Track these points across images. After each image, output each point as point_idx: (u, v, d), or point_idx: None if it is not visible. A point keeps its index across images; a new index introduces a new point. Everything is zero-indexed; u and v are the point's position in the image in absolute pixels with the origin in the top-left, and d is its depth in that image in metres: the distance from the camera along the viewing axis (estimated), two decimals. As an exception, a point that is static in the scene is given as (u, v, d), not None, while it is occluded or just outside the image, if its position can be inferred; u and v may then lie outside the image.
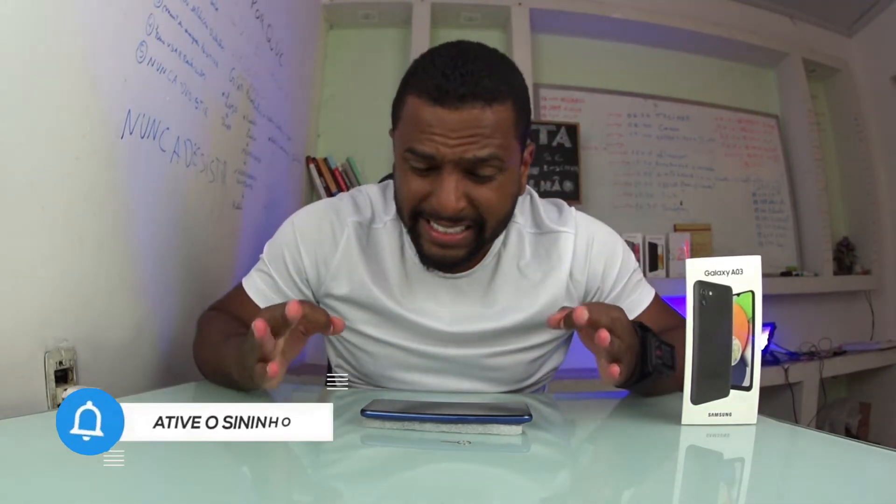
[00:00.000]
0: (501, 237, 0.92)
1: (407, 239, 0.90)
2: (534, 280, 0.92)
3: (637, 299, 0.95)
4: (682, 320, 0.96)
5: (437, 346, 0.91)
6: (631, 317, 0.93)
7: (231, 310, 0.95)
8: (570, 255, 0.91)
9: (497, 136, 0.76)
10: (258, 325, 0.62)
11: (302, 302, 0.64)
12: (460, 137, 0.75)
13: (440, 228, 0.80)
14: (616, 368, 0.66)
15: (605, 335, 0.66)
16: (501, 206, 0.81)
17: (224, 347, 0.79)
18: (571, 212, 0.96)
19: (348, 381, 0.99)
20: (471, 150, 0.75)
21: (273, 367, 0.64)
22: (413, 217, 0.82)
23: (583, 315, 0.65)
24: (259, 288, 0.93)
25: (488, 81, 0.75)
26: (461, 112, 0.74)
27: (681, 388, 0.67)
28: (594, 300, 0.94)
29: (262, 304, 0.91)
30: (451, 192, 0.76)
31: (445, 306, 0.91)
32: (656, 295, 0.98)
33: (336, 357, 1.00)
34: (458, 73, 0.74)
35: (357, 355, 0.95)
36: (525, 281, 0.92)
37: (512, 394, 0.97)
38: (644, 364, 0.73)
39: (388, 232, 0.92)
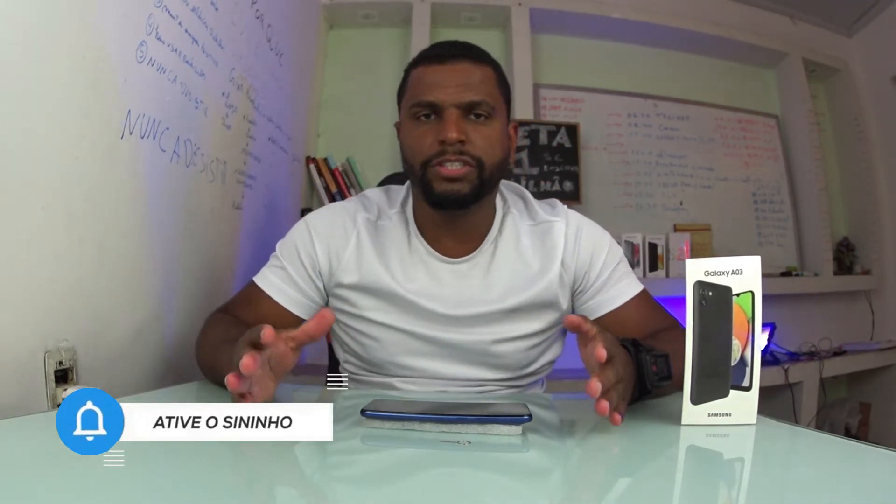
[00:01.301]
0: (497, 224, 0.99)
1: (413, 227, 0.98)
2: (531, 266, 0.97)
3: (622, 289, 0.99)
4: (672, 320, 0.98)
5: (440, 331, 0.95)
6: (615, 305, 0.98)
7: (239, 310, 0.98)
8: (563, 242, 0.98)
9: (485, 87, 0.92)
10: (246, 364, 0.59)
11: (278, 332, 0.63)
12: (457, 86, 0.90)
13: (447, 165, 0.90)
14: (605, 405, 0.61)
15: (594, 386, 0.61)
16: (493, 149, 0.92)
17: (220, 351, 0.80)
18: (564, 207, 1.03)
19: (355, 374, 1.02)
20: (466, 95, 0.90)
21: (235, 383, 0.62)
22: (423, 166, 0.91)
23: (603, 355, 0.62)
24: (272, 282, 0.97)
25: (475, 50, 0.96)
26: (455, 66, 0.92)
27: (681, 389, 0.67)
28: (581, 287, 0.99)
29: (276, 297, 0.97)
30: (452, 125, 0.89)
31: (448, 289, 0.96)
32: (644, 291, 1.00)
33: (343, 353, 1.04)
34: (451, 44, 0.96)
35: (364, 343, 0.98)
36: (523, 266, 0.97)
37: (512, 382, 0.99)
38: (642, 384, 0.73)
39: (395, 224, 0.99)
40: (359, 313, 0.97)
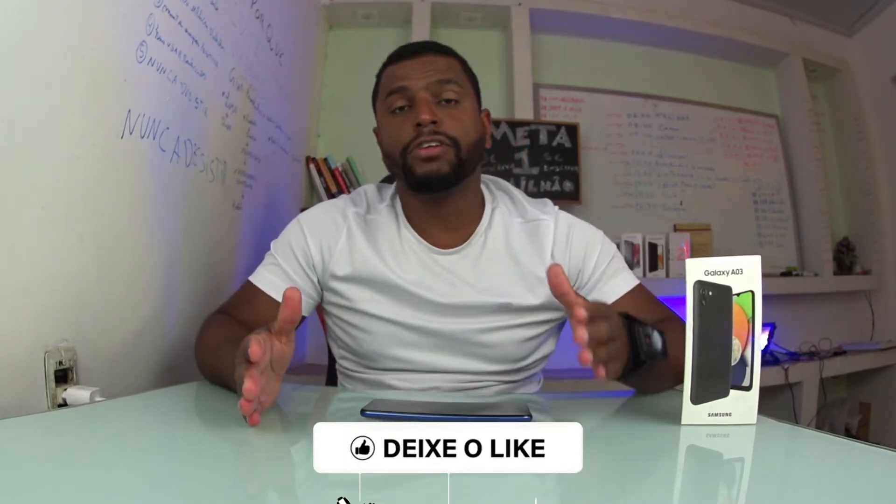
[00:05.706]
0: (487, 218, 1.01)
1: (402, 220, 1.00)
2: (522, 264, 0.98)
3: (617, 284, 0.99)
4: (671, 312, 0.98)
5: (432, 321, 0.95)
6: (611, 300, 0.98)
7: (237, 310, 0.98)
8: (551, 240, 0.99)
9: (451, 72, 0.97)
10: (249, 388, 0.59)
11: (260, 339, 0.62)
12: (425, 72, 0.96)
13: (424, 146, 0.93)
14: (587, 356, 0.63)
15: (581, 335, 0.63)
16: (466, 129, 0.95)
17: (222, 353, 0.80)
18: (554, 207, 1.05)
19: (351, 371, 1.03)
20: (433, 76, 0.95)
21: (254, 419, 0.63)
22: (402, 153, 0.95)
23: (581, 315, 0.63)
24: (267, 279, 0.98)
25: (439, 45, 1.02)
26: (421, 57, 0.98)
27: (680, 382, 0.67)
28: (576, 285, 1.00)
29: (271, 293, 0.97)
30: (425, 107, 0.93)
31: (439, 279, 0.97)
32: (641, 285, 1.01)
33: (338, 349, 1.04)
34: (414, 43, 1.02)
35: (357, 336, 0.98)
36: (514, 265, 0.98)
37: (507, 377, 0.99)
38: (636, 353, 0.73)
39: (385, 216, 1.02)
40: (351, 306, 0.98)
